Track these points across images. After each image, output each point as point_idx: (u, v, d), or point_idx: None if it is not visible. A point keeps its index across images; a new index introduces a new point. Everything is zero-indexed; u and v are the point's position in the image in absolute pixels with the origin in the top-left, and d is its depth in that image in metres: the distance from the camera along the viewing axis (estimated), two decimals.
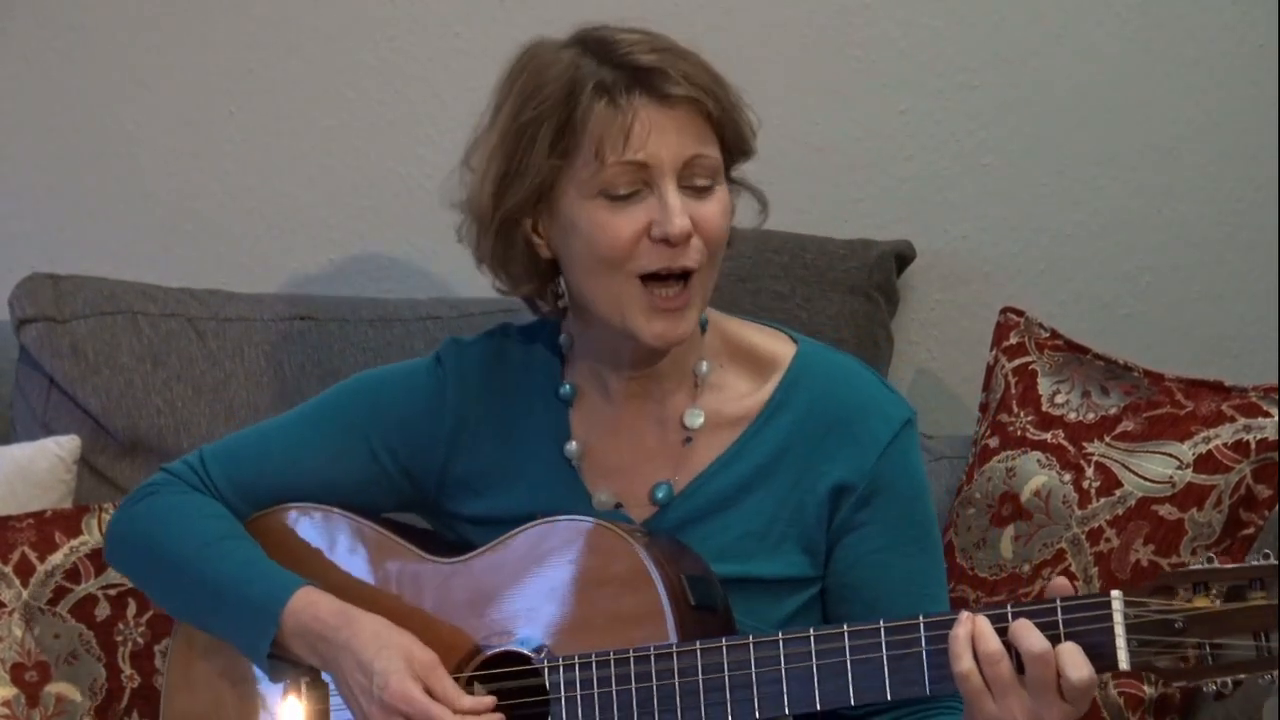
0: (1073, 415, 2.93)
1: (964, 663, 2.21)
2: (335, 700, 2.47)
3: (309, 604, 2.45)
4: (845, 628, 2.28)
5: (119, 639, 2.87)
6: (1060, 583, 2.27)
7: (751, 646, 2.30)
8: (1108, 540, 2.85)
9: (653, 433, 2.51)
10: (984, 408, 3.05)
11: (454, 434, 2.54)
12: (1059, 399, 2.96)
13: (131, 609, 2.87)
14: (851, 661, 2.27)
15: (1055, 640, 2.19)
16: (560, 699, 2.35)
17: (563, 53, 2.42)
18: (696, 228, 2.39)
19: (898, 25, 3.27)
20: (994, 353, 3.06)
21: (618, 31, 2.42)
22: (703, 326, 2.50)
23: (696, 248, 2.39)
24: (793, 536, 2.46)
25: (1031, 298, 3.19)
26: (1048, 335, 3.03)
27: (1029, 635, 2.20)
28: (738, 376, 2.51)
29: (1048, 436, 2.93)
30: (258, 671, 2.49)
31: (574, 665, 2.35)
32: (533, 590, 2.41)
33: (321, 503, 2.55)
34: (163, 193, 3.37)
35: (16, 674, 2.83)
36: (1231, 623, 2.16)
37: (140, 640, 2.87)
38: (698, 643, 2.31)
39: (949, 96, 3.27)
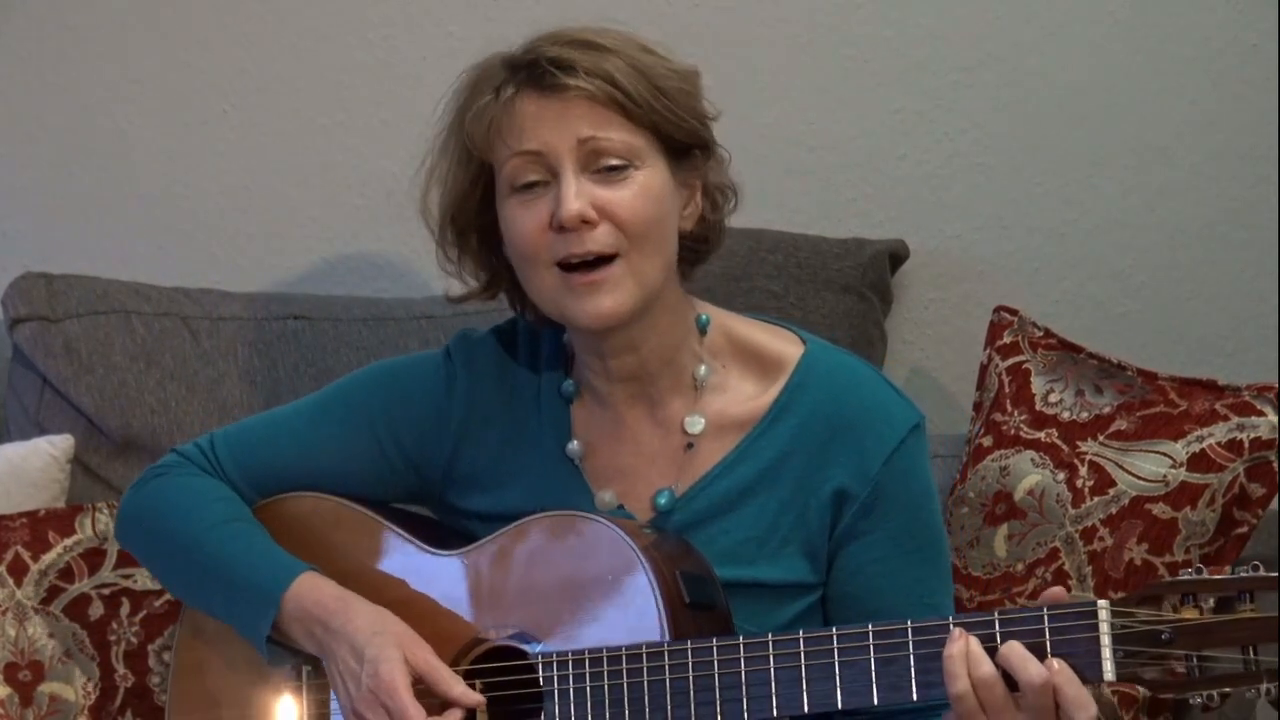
0: (1066, 414, 2.93)
1: (960, 683, 2.21)
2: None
3: (311, 588, 2.45)
4: (834, 630, 2.27)
5: (113, 638, 2.87)
6: (1055, 591, 2.25)
7: (741, 647, 2.29)
8: (1101, 539, 2.85)
9: (653, 437, 2.50)
10: (978, 406, 3.05)
11: (461, 428, 2.54)
12: (1053, 398, 2.96)
13: (125, 608, 2.87)
14: (840, 665, 2.26)
15: (1039, 650, 2.19)
16: (553, 693, 2.35)
17: (494, 58, 2.44)
18: (604, 212, 2.37)
19: (891, 24, 3.27)
20: (988, 352, 3.06)
21: (553, 32, 2.42)
22: (704, 328, 2.50)
23: (606, 232, 2.38)
24: (795, 541, 2.45)
25: (1025, 297, 3.19)
26: (1041, 334, 3.03)
27: (1026, 665, 2.19)
28: (742, 378, 2.49)
29: (1041, 435, 2.93)
30: (262, 659, 2.48)
31: (567, 661, 2.35)
32: (530, 585, 2.41)
33: (328, 491, 2.56)
34: (156, 192, 3.37)
35: (10, 673, 2.83)
36: (1220, 635, 2.15)
37: (134, 640, 2.87)
38: (688, 642, 2.31)
39: (943, 96, 3.28)
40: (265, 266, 3.35)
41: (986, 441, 2.97)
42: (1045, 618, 2.20)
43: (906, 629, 2.25)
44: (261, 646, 2.46)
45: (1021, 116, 3.27)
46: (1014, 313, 3.06)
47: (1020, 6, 3.26)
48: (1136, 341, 3.22)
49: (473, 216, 2.49)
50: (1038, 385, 2.98)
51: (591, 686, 2.34)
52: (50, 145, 3.37)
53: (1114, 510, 2.86)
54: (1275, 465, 2.84)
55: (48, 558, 2.87)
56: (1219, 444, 2.85)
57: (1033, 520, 2.89)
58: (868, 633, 2.26)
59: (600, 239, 2.37)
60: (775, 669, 2.28)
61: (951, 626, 2.23)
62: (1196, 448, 2.85)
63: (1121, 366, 2.96)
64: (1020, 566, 2.88)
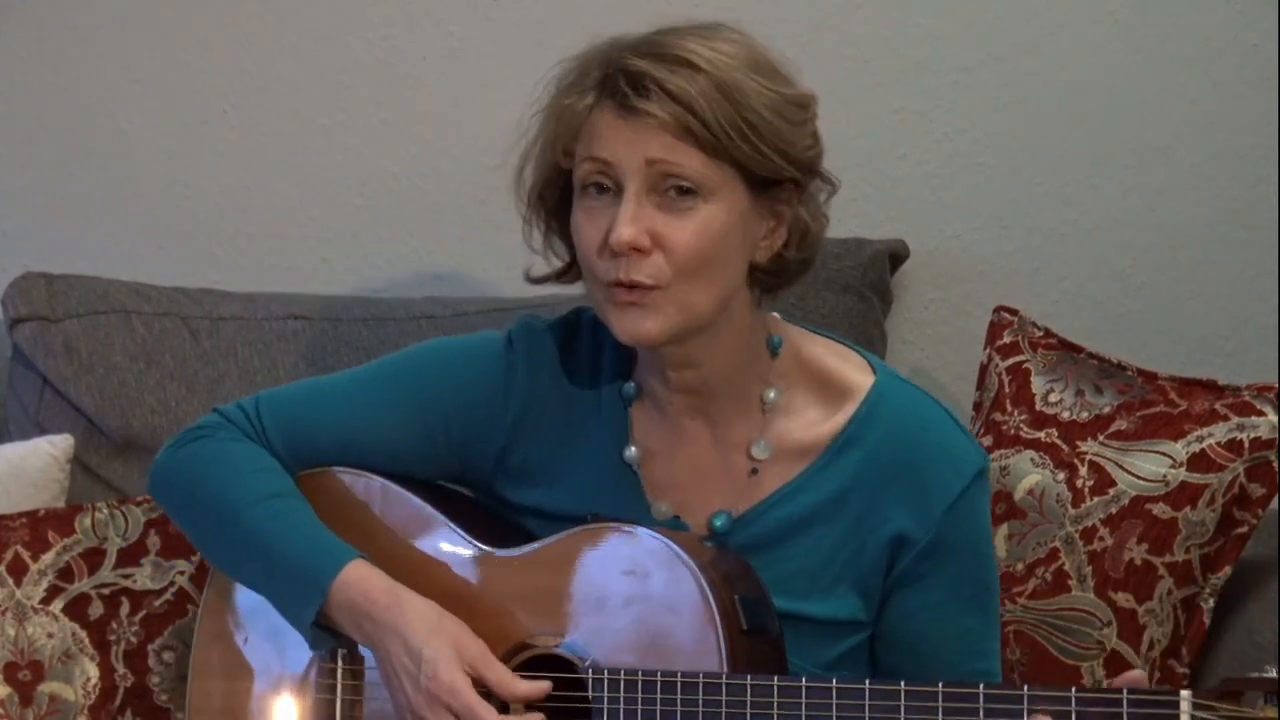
0: (1066, 414, 2.93)
1: None
2: (370, 675, 2.43)
3: (360, 578, 2.39)
4: (902, 684, 2.23)
5: (112, 638, 2.87)
6: (1135, 674, 2.24)
7: (804, 689, 2.24)
8: (1101, 539, 2.85)
9: (712, 453, 2.44)
10: (978, 406, 3.05)
11: (518, 421, 2.48)
12: (1053, 398, 2.96)
13: (125, 608, 2.87)
14: None
15: None
16: (603, 710, 2.30)
17: (600, 48, 2.37)
18: (658, 241, 2.31)
19: (891, 24, 3.27)
20: (987, 351, 3.05)
21: (651, 37, 2.35)
22: (775, 350, 2.44)
23: (655, 264, 2.32)
24: (848, 579, 2.41)
25: (1025, 296, 3.18)
26: (1041, 334, 3.02)
27: None
28: (808, 403, 2.44)
29: (1041, 435, 2.93)
30: (293, 635, 2.44)
31: (619, 679, 2.30)
32: (585, 595, 2.35)
33: (369, 467, 2.50)
34: (156, 192, 3.37)
35: (10, 673, 2.83)
36: None
37: (134, 639, 2.87)
38: (748, 676, 2.26)
39: (943, 95, 3.27)
40: (265, 266, 3.34)
41: (986, 441, 2.97)
42: (1124, 701, 2.18)
43: (979, 694, 2.21)
44: (306, 632, 2.42)
45: (1021, 116, 3.27)
46: (1014, 313, 3.06)
47: (1020, 6, 3.26)
48: (1136, 341, 3.22)
49: (556, 204, 2.42)
50: (1038, 385, 2.98)
51: (643, 710, 2.28)
52: (50, 145, 3.37)
53: (1114, 510, 2.86)
54: (1275, 465, 2.84)
55: (47, 557, 2.87)
56: (1219, 444, 2.85)
57: (1033, 520, 2.89)
58: (938, 692, 2.22)
59: (647, 269, 2.31)
60: (837, 715, 2.23)
61: (1026, 699, 2.20)
62: (1196, 448, 2.85)
63: (1121, 366, 2.96)
64: (1020, 566, 2.88)
